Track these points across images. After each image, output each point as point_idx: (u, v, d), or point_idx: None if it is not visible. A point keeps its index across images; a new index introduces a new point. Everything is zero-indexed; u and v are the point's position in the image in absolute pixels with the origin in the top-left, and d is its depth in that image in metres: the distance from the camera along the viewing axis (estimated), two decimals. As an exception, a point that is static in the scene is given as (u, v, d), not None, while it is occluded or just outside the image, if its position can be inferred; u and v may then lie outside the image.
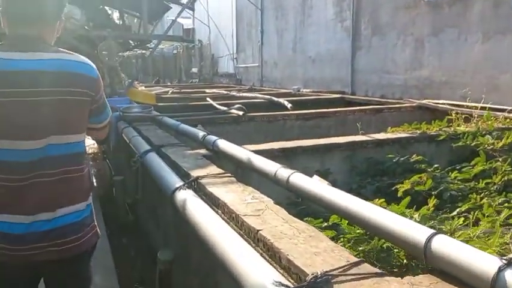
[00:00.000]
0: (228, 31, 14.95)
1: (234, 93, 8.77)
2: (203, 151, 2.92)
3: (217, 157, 2.82)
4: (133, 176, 3.20)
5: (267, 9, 11.69)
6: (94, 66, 1.62)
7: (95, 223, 1.69)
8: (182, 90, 11.18)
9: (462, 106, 4.82)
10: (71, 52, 1.59)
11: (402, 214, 1.94)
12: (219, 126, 4.98)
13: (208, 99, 7.45)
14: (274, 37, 11.34)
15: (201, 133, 3.08)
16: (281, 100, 7.05)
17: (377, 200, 2.10)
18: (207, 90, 10.69)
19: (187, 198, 1.90)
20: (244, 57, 13.89)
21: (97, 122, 1.70)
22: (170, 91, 10.49)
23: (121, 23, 8.16)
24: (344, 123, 5.55)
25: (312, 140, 3.23)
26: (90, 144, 10.14)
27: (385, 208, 1.87)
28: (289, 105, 6.58)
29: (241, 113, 4.95)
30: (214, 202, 1.87)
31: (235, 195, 1.84)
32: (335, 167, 3.13)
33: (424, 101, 5.90)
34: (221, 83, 15.85)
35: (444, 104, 5.50)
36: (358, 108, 5.71)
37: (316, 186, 1.76)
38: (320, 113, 5.46)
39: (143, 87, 10.64)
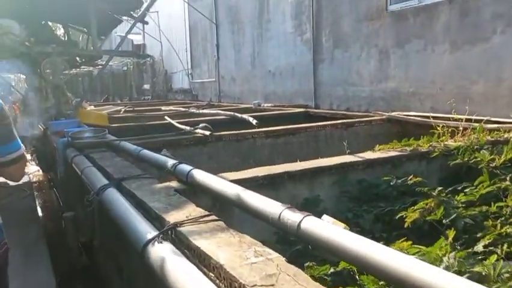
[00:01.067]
0: (181, 46, 14.47)
1: (193, 110, 8.29)
2: (174, 183, 2.44)
3: (193, 191, 2.36)
4: (88, 216, 2.66)
5: (223, 23, 11.35)
6: None
7: (6, 243, 1.73)
8: (135, 109, 10.57)
9: (438, 118, 4.65)
10: None
11: (437, 258, 1.58)
12: (184, 149, 4.51)
13: (166, 117, 6.93)
14: (231, 51, 11.00)
15: (170, 161, 2.60)
16: (245, 116, 6.66)
17: (400, 241, 1.73)
18: (163, 108, 10.14)
19: (165, 257, 1.44)
20: (199, 73, 13.44)
21: (2, 154, 1.66)
22: (123, 110, 9.85)
23: (66, 38, 7.51)
24: (317, 139, 5.24)
25: (298, 164, 2.85)
26: (35, 171, 9.25)
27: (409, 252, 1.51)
28: (254, 122, 6.20)
29: (207, 132, 4.50)
30: (203, 261, 1.42)
31: (232, 250, 1.40)
32: (325, 192, 2.76)
33: (393, 114, 5.72)
34: (176, 99, 15.26)
35: (415, 116, 5.33)
36: (330, 122, 5.42)
37: (337, 233, 1.36)
38: (290, 129, 5.11)
39: (92, 107, 9.94)
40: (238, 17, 10.41)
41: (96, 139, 3.91)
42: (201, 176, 2.27)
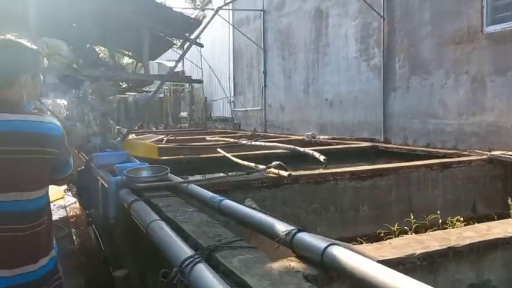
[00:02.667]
0: (223, 73, 14.04)
1: (243, 141, 7.62)
2: (296, 263, 1.69)
3: (328, 276, 1.59)
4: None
5: (271, 48, 10.81)
6: (58, 124, 1.74)
7: (60, 274, 1.78)
8: (177, 138, 10.04)
9: None
10: (36, 113, 1.78)
11: None
12: (254, 192, 3.78)
13: (220, 150, 6.26)
14: (280, 78, 10.39)
15: (280, 225, 1.85)
16: (309, 151, 5.93)
17: None
18: (208, 138, 9.55)
19: None
20: (243, 101, 12.88)
21: (60, 174, 1.84)
22: (165, 139, 9.31)
23: (111, 63, 7.08)
24: (407, 182, 4.42)
25: (465, 234, 2.02)
26: (71, 203, 8.73)
27: None
28: (321, 157, 5.45)
29: (285, 173, 3.76)
30: None
31: None
32: (496, 275, 1.94)
33: (496, 153, 4.84)
34: (216, 128, 14.74)
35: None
36: (424, 162, 4.60)
37: None
38: (377, 170, 4.32)
39: (133, 135, 9.46)
40: (290, 41, 9.83)
41: (157, 179, 3.23)
42: (346, 256, 1.50)
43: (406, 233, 3.66)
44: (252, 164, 4.89)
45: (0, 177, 1.58)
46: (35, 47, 1.79)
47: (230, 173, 5.77)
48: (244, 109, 12.76)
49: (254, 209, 2.48)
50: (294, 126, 9.77)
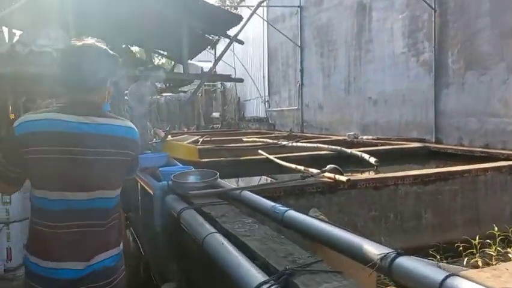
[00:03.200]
0: (257, 72, 13.80)
1: (283, 142, 7.33)
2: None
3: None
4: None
5: (309, 45, 10.48)
6: (135, 128, 1.86)
7: (124, 267, 1.89)
8: (213, 139, 9.85)
9: None
10: (116, 116, 1.86)
11: None
12: (308, 198, 3.49)
13: (262, 152, 6.00)
14: (318, 76, 10.04)
15: (372, 246, 1.56)
16: (357, 152, 5.59)
17: None
18: (244, 139, 9.31)
19: None
20: (278, 100, 12.60)
21: (130, 175, 1.98)
22: (200, 140, 9.13)
23: (148, 63, 6.94)
24: (474, 187, 4.03)
25: None
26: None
27: None
28: (373, 160, 5.11)
29: (343, 178, 3.45)
30: None
31: None
32: None
33: None
34: (250, 128, 14.52)
35: None
36: (492, 165, 4.19)
37: None
38: (441, 173, 3.94)
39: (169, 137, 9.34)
40: (330, 37, 9.48)
41: (206, 185, 2.98)
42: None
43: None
44: (301, 167, 4.61)
45: (90, 177, 1.70)
46: (114, 53, 1.90)
47: (275, 176, 5.51)
48: (279, 109, 12.47)
49: (323, 221, 2.20)
50: (334, 127, 9.41)
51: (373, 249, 1.56)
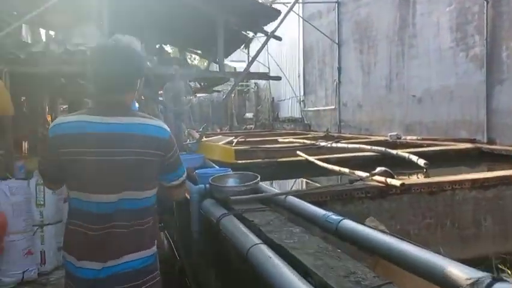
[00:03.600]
0: (292, 71, 13.53)
1: (322, 143, 7.05)
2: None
3: None
4: None
5: (347, 42, 10.13)
6: (166, 127, 1.83)
7: (158, 272, 1.87)
8: (247, 139, 9.67)
9: None
10: (145, 115, 1.85)
11: None
12: (356, 203, 3.23)
13: (300, 153, 5.76)
14: (357, 74, 9.68)
15: (457, 268, 1.29)
16: (404, 154, 5.25)
17: None
18: (280, 139, 9.08)
19: None
20: (314, 100, 12.29)
21: (168, 180, 1.90)
22: (235, 141, 8.96)
23: (182, 62, 6.82)
24: (541, 193, 3.64)
25: None
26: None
27: None
28: (422, 162, 4.76)
29: (397, 182, 3.16)
30: None
31: None
32: None
33: None
34: (284, 129, 14.26)
35: None
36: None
37: None
38: (504, 177, 3.58)
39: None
40: (370, 33, 9.11)
41: (247, 189, 2.77)
42: None
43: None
44: (345, 169, 4.34)
45: (117, 177, 1.70)
46: (144, 54, 1.89)
47: (316, 180, 5.25)
48: (315, 109, 12.17)
49: (384, 232, 1.94)
50: (374, 126, 9.03)
51: (457, 271, 1.29)
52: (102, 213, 1.70)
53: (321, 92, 11.79)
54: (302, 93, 12.98)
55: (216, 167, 4.27)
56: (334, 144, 6.70)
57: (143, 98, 9.67)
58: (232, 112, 22.33)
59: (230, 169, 3.48)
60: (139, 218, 1.76)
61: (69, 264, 1.75)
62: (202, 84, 6.16)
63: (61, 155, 1.71)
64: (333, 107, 10.93)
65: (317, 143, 7.12)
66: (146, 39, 5.91)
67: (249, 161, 5.23)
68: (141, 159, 1.73)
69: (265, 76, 5.56)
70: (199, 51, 7.50)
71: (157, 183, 1.85)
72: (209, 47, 6.23)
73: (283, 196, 2.56)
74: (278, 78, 5.84)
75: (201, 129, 7.80)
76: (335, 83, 10.69)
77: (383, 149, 5.66)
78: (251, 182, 2.77)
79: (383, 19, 8.61)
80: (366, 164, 5.45)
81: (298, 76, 13.02)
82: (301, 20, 12.19)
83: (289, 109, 14.26)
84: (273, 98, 15.93)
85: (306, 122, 12.76)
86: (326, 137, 9.88)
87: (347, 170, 4.39)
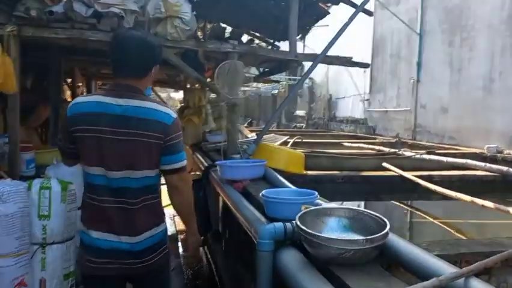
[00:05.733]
0: (357, 65, 12.12)
1: (406, 153, 5.71)
2: None
3: None
4: None
5: (432, 32, 8.66)
6: (171, 112, 2.00)
7: (168, 244, 2.14)
8: (305, 140, 8.45)
9: None
10: (155, 100, 2.13)
11: None
12: None
13: (387, 165, 4.49)
14: (444, 71, 8.21)
15: None
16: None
17: None
18: (346, 144, 7.80)
19: None
20: (382, 99, 10.87)
21: (165, 162, 2.00)
22: (290, 141, 7.75)
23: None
24: None
25: None
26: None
27: None
28: None
29: None
30: None
31: None
32: None
33: None
34: (342, 130, 12.90)
35: None
36: None
37: None
38: None
39: (252, 134, 8.09)
40: (464, 21, 7.63)
41: (370, 249, 1.56)
42: None
43: None
44: (466, 197, 3.07)
45: (121, 155, 1.90)
46: (159, 42, 2.15)
47: (424, 209, 3.99)
48: (383, 109, 10.75)
49: None
50: (463, 136, 7.56)
51: None
52: (111, 187, 1.91)
53: (391, 91, 10.37)
54: (367, 91, 11.58)
55: (282, 179, 3.11)
56: (425, 156, 5.35)
57: (188, 86, 8.66)
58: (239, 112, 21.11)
59: (315, 192, 2.27)
60: (144, 195, 1.96)
61: (83, 234, 2.02)
62: (263, 70, 5.00)
63: (75, 132, 1.93)
64: (407, 108, 9.50)
65: (400, 152, 5.80)
66: (198, 15, 4.81)
67: (321, 172, 4.03)
68: (146, 141, 1.92)
69: (349, 61, 4.32)
70: (259, 35, 6.31)
71: (159, 164, 1.99)
72: (271, 26, 5.05)
73: (457, 277, 1.32)
74: (366, 65, 4.64)
75: (245, 125, 6.69)
76: (412, 81, 9.24)
77: (504, 168, 4.29)
78: (378, 235, 1.54)
79: (485, 5, 7.13)
80: (480, 187, 4.14)
81: (364, 71, 11.61)
82: (371, 6, 10.78)
83: (350, 108, 12.88)
84: (330, 95, 14.59)
85: (370, 124, 11.36)
86: (396, 144, 8.51)
87: (468, 198, 3.13)
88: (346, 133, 11.96)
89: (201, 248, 5.64)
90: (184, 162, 2.06)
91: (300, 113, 18.91)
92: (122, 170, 1.91)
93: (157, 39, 2.09)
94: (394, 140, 8.96)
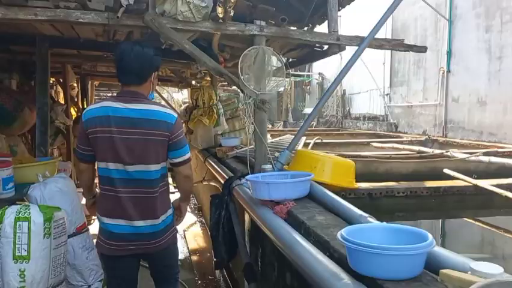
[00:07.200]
0: (374, 56, 11.32)
1: (455, 154, 4.93)
2: None
3: None
4: None
5: (465, 17, 7.88)
6: (173, 113, 2.37)
7: (175, 227, 2.54)
8: (325, 141, 7.71)
9: None
10: (158, 103, 2.52)
11: None
12: None
13: (450, 172, 3.71)
14: (480, 60, 7.43)
15: None
16: None
17: None
18: (375, 144, 7.03)
19: None
20: (405, 93, 10.09)
21: (174, 156, 2.38)
22: (311, 142, 6.99)
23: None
24: None
25: None
26: (191, 224, 6.81)
27: None
28: None
29: None
30: None
31: None
32: None
33: None
34: (359, 128, 12.13)
35: None
36: None
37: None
38: None
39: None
40: (506, 3, 6.84)
41: None
42: None
43: None
44: None
45: (132, 151, 2.24)
46: (155, 52, 2.39)
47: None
48: (406, 104, 9.97)
49: None
50: (506, 132, 6.78)
51: None
52: (126, 179, 2.24)
53: (416, 84, 9.58)
54: (387, 85, 10.79)
55: (344, 202, 2.35)
56: (484, 158, 4.57)
57: (194, 83, 7.89)
58: (287, 107, 20.30)
59: (426, 233, 1.49)
60: (150, 186, 2.29)
61: (102, 223, 2.32)
62: (288, 60, 4.22)
63: (90, 133, 2.25)
64: (435, 102, 8.71)
65: (448, 153, 5.02)
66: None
67: (376, 184, 3.25)
68: (153, 139, 2.26)
69: (401, 45, 3.55)
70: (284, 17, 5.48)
71: (165, 158, 2.35)
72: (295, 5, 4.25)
73: None
74: (423, 48, 3.81)
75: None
76: (442, 72, 8.45)
77: None
78: None
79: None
80: None
81: (384, 63, 10.84)
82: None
83: (367, 104, 12.10)
84: (344, 90, 13.80)
85: (391, 120, 10.57)
86: (427, 142, 7.74)
87: None
88: (364, 131, 11.19)
89: (217, 272, 4.88)
90: (189, 153, 2.46)
91: (309, 110, 18.10)
92: (135, 164, 2.24)
93: (152, 49, 2.35)
94: (423, 138, 8.19)
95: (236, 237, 3.41)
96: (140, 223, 2.26)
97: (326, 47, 3.75)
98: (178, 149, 2.36)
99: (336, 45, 3.39)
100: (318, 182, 2.81)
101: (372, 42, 3.41)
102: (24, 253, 2.38)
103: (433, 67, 8.80)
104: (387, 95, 10.87)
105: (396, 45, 3.53)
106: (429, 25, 8.96)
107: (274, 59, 3.15)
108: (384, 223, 1.66)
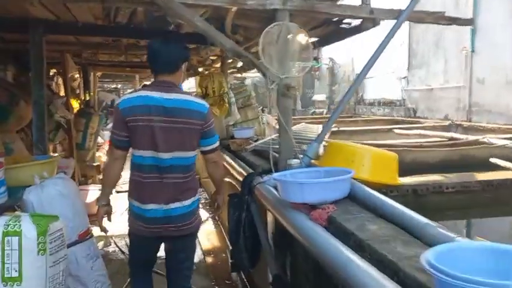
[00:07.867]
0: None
1: (493, 140, 4.50)
2: None
3: None
4: None
5: (491, -10, 7.37)
6: (205, 103, 2.53)
7: (199, 212, 2.64)
8: (341, 129, 7.34)
9: None
10: (189, 93, 2.83)
11: None
12: None
13: (503, 163, 3.29)
14: (508, 37, 6.94)
15: None
16: None
17: None
18: (397, 131, 6.62)
19: None
20: (424, 76, 9.61)
21: (206, 144, 2.56)
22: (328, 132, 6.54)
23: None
24: None
25: None
26: (204, 219, 6.41)
27: None
28: None
29: None
30: None
31: None
32: None
33: None
34: (374, 114, 11.67)
35: None
36: None
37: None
38: None
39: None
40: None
41: None
42: None
43: None
44: None
45: (170, 139, 2.37)
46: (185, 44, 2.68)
47: None
48: (425, 87, 9.50)
49: None
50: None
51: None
52: (161, 166, 2.37)
53: (437, 65, 9.09)
54: (406, 67, 10.30)
55: (398, 205, 1.96)
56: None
57: (201, 70, 7.48)
58: (295, 94, 19.82)
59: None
60: (186, 171, 2.45)
61: (134, 207, 2.46)
62: (316, 41, 3.79)
63: (128, 122, 2.34)
64: (458, 84, 8.23)
65: (485, 139, 4.60)
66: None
67: (422, 179, 2.84)
68: (188, 128, 2.41)
69: (444, 18, 3.13)
70: None
71: (197, 145, 2.51)
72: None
73: None
74: (468, 21, 3.43)
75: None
76: (465, 51, 7.96)
77: None
78: None
79: None
80: None
81: (401, 44, 10.32)
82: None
83: (382, 88, 11.61)
84: (356, 74, 13.30)
85: (409, 105, 10.10)
86: (451, 127, 7.31)
87: None
88: (380, 117, 10.74)
89: (233, 274, 4.52)
90: (218, 142, 2.65)
91: (318, 97, 17.65)
92: (171, 151, 2.38)
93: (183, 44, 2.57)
94: (447, 123, 7.75)
95: (259, 242, 3.03)
96: (174, 205, 2.40)
97: (354, 23, 3.32)
98: (210, 137, 2.54)
99: (370, 19, 2.95)
100: (355, 179, 2.42)
101: (412, 15, 2.98)
102: (15, 274, 2.02)
103: (455, 47, 8.30)
104: (404, 78, 10.38)
105: (438, 18, 3.12)
106: (449, 0, 8.44)
107: (300, 37, 2.74)
108: (480, 241, 1.25)
